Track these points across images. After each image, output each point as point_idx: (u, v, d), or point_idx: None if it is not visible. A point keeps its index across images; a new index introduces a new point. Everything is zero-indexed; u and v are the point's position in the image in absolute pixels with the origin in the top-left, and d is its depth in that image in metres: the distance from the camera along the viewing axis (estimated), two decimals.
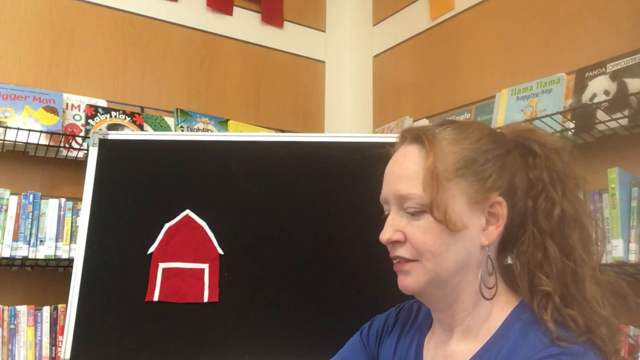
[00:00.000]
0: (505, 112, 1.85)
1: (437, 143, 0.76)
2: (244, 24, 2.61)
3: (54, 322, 1.85)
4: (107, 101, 2.18)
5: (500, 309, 0.77)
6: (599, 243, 0.79)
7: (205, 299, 1.52)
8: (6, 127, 1.88)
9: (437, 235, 0.74)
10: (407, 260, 0.76)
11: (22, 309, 1.82)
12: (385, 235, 0.77)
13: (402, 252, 0.76)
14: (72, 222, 1.92)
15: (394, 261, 0.78)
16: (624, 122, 1.53)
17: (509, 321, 0.75)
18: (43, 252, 1.87)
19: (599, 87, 1.61)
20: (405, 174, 0.77)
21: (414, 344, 0.85)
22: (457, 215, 0.73)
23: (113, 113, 2.13)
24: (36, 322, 1.83)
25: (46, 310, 1.85)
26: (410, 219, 0.76)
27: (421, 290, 0.77)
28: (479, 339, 0.76)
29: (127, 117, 2.15)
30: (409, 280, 0.77)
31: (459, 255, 0.75)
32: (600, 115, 1.57)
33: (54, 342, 1.84)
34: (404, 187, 0.76)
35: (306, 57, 2.78)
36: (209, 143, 1.70)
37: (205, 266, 1.55)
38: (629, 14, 1.69)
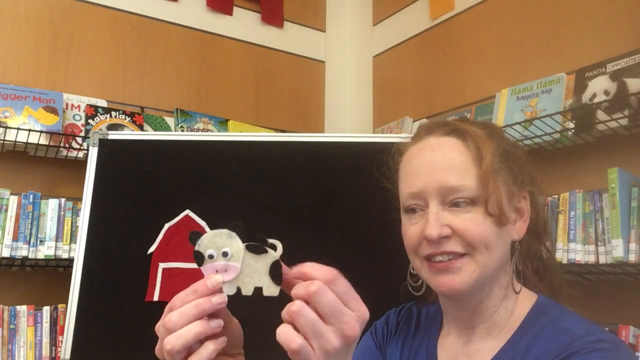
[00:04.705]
0: (505, 112, 1.85)
1: (478, 137, 0.75)
2: (244, 24, 2.61)
3: (54, 322, 1.85)
4: (107, 101, 2.19)
5: (521, 304, 0.77)
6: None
7: None
8: (6, 127, 1.88)
9: (489, 227, 0.72)
10: (459, 256, 0.72)
11: (22, 309, 1.82)
12: (435, 230, 0.71)
13: (452, 246, 0.72)
14: (72, 222, 1.92)
15: (437, 260, 0.73)
16: (624, 122, 1.53)
17: (532, 315, 0.75)
18: (43, 252, 1.87)
19: (599, 87, 1.61)
20: (452, 164, 0.73)
21: (423, 349, 0.83)
22: (505, 208, 0.73)
23: (113, 113, 2.13)
24: (36, 322, 1.83)
25: (46, 310, 1.85)
26: (457, 212, 0.72)
27: (470, 290, 0.73)
28: (503, 335, 0.75)
29: (127, 117, 2.15)
30: (459, 280, 0.72)
31: (503, 249, 0.75)
32: (600, 115, 1.57)
33: (54, 342, 1.84)
34: (454, 179, 0.72)
35: (306, 57, 2.78)
36: (209, 143, 1.70)
37: None
38: (629, 14, 1.68)
